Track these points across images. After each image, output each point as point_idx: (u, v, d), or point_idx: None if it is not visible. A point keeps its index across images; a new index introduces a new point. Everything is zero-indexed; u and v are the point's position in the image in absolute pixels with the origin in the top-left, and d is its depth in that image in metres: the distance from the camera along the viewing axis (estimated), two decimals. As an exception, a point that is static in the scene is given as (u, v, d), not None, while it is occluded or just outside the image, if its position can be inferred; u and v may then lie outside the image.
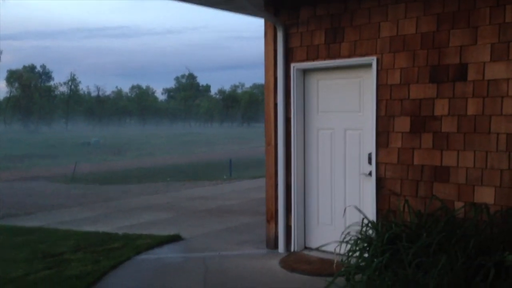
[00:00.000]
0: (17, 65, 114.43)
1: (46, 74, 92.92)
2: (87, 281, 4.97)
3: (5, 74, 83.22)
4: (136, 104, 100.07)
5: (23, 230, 7.81)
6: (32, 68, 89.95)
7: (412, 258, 3.70)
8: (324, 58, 5.43)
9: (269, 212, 6.08)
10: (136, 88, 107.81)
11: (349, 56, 5.22)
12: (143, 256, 5.97)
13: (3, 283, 4.97)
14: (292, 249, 5.83)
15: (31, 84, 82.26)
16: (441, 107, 4.62)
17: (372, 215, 4.96)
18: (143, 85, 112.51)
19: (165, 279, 5.12)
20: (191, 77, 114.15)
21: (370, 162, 5.16)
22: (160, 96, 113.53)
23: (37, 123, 79.10)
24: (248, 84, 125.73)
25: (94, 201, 11.81)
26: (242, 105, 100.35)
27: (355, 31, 5.15)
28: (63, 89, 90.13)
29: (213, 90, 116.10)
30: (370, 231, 4.39)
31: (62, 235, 7.30)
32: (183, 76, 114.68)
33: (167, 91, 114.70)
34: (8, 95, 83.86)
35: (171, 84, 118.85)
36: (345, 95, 5.46)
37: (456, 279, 3.50)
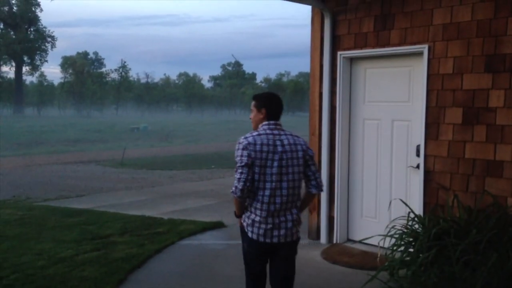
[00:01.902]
0: (71, 52, 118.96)
1: (98, 61, 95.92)
2: (133, 264, 5.12)
3: (59, 60, 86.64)
4: (183, 91, 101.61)
5: (74, 212, 8.13)
6: (85, 54, 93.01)
7: (460, 255, 3.56)
8: (373, 46, 5.27)
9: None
10: (183, 75, 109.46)
11: (399, 44, 5.04)
12: (186, 242, 6.08)
13: (53, 262, 5.20)
14: (334, 241, 5.76)
15: (84, 70, 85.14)
16: (496, 98, 4.39)
17: (418, 209, 4.81)
18: (190, 72, 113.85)
19: (207, 265, 5.19)
20: (237, 65, 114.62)
21: (418, 154, 4.99)
22: (207, 83, 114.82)
23: (89, 109, 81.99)
24: (294, 73, 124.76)
25: (141, 185, 12.13)
26: (287, 93, 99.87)
27: (406, 18, 4.96)
28: (114, 75, 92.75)
29: (259, 78, 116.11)
30: (416, 226, 4.26)
31: (110, 217, 7.54)
32: (229, 64, 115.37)
33: (214, 78, 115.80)
34: (62, 81, 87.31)
35: (218, 71, 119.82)
36: (393, 84, 5.29)
37: (507, 279, 3.34)
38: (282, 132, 3.19)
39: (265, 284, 3.36)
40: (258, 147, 3.07)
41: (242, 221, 3.25)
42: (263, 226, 3.12)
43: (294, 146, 3.16)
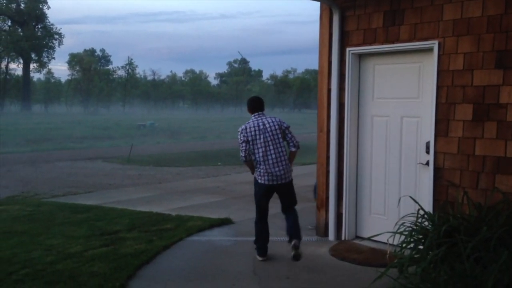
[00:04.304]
0: (78, 49, 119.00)
1: (105, 58, 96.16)
2: (141, 259, 5.14)
3: (67, 58, 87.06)
4: (190, 88, 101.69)
5: (82, 208, 8.17)
6: (92, 52, 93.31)
7: (470, 252, 3.54)
8: (382, 42, 5.24)
9: (319, 199, 6.02)
10: (189, 72, 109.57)
11: (409, 40, 5.01)
12: (195, 238, 6.09)
13: (63, 258, 5.23)
14: (343, 238, 5.75)
15: (91, 67, 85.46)
16: (507, 95, 4.35)
17: (428, 206, 4.78)
18: (197, 69, 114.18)
19: (215, 261, 5.20)
20: (244, 62, 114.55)
21: (428, 151, 4.96)
22: (213, 80, 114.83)
23: (96, 105, 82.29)
24: (300, 70, 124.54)
25: (148, 182, 12.17)
26: (293, 90, 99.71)
27: (416, 14, 4.93)
28: (121, 72, 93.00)
29: (265, 75, 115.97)
30: (426, 223, 4.23)
31: (118, 213, 7.57)
32: (235, 61, 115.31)
33: (220, 75, 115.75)
34: (69, 78, 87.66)
35: (224, 68, 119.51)
36: (403, 81, 5.26)
37: (518, 277, 3.32)
38: (263, 117, 5.17)
39: (267, 214, 5.26)
40: (248, 130, 5.08)
41: (255, 175, 5.14)
42: (265, 175, 5.02)
43: (272, 123, 5.11)
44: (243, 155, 5.05)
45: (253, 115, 5.20)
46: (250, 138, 5.02)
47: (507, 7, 4.32)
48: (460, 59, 4.63)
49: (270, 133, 5.03)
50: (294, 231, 5.04)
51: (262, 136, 5.02)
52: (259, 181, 5.06)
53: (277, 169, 4.99)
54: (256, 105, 5.24)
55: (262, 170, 5.01)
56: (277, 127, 5.07)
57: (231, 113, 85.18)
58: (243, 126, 5.09)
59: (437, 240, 3.80)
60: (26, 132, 33.75)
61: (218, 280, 4.65)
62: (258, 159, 5.02)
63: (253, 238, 5.29)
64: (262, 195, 5.13)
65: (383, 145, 5.49)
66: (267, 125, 5.07)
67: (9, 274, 4.75)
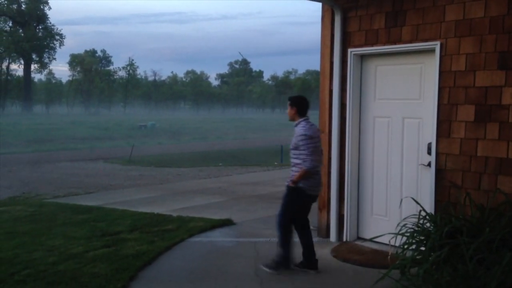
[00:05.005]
0: (79, 50, 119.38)
1: (106, 59, 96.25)
2: (143, 260, 5.13)
3: (68, 58, 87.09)
4: (191, 89, 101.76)
5: (83, 209, 8.17)
6: (93, 52, 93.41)
7: (473, 254, 3.53)
8: (384, 43, 5.24)
9: (321, 200, 6.01)
10: (190, 73, 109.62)
11: (410, 41, 5.00)
12: (196, 239, 6.09)
13: (64, 259, 5.23)
14: (344, 239, 5.74)
15: (92, 68, 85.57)
16: (509, 96, 4.34)
17: (430, 207, 4.77)
18: (198, 70, 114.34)
19: (217, 262, 5.19)
20: (245, 62, 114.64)
21: (429, 152, 4.96)
22: (214, 81, 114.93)
23: (97, 106, 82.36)
24: (301, 70, 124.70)
25: (149, 183, 12.17)
26: (294, 91, 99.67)
27: (418, 15, 4.92)
28: (122, 73, 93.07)
29: (266, 76, 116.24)
30: (428, 224, 4.22)
31: (119, 214, 7.57)
32: (236, 61, 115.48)
33: (221, 76, 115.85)
34: (70, 79, 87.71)
35: (225, 69, 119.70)
36: (404, 82, 5.25)
37: (521, 278, 3.31)
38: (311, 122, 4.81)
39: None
40: (314, 135, 4.68)
41: (300, 185, 4.68)
42: (318, 185, 4.82)
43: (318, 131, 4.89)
44: (314, 163, 4.60)
45: (304, 118, 4.75)
46: (315, 145, 4.66)
47: (509, 8, 4.31)
48: (462, 60, 4.63)
49: (320, 142, 4.84)
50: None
51: (319, 144, 4.80)
52: (308, 191, 4.70)
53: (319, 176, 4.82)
54: (307, 108, 4.84)
55: (317, 180, 4.74)
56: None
57: (232, 114, 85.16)
58: (307, 132, 4.63)
59: (439, 241, 3.79)
60: (27, 132, 33.78)
61: (219, 281, 4.64)
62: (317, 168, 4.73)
63: (254, 239, 5.28)
64: (307, 207, 4.88)
65: (384, 146, 5.48)
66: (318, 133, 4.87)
67: (11, 274, 4.75)
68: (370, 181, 5.65)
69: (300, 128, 4.68)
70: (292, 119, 4.82)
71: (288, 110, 4.84)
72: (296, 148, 4.69)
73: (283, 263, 4.81)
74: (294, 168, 4.74)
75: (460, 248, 3.62)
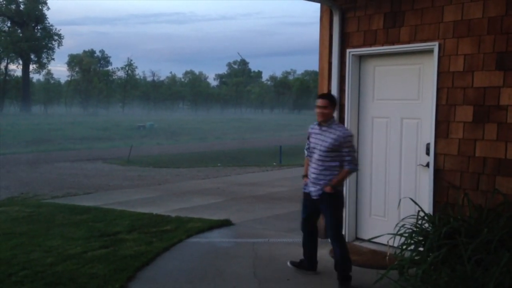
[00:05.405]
0: (78, 50, 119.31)
1: (104, 59, 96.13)
2: (141, 261, 5.12)
3: (66, 59, 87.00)
4: (189, 89, 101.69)
5: (82, 209, 8.16)
6: (91, 53, 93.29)
7: (471, 254, 3.53)
8: (382, 44, 5.24)
9: (320, 200, 6.00)
10: (189, 73, 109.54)
11: (409, 42, 5.00)
12: (194, 239, 6.08)
13: (62, 259, 5.21)
14: (343, 239, 5.73)
15: (90, 68, 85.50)
16: (507, 96, 4.34)
17: (428, 208, 4.77)
18: (196, 70, 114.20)
19: (215, 263, 5.18)
20: (243, 63, 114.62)
21: (428, 152, 4.96)
22: (212, 81, 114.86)
23: (95, 106, 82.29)
24: (299, 71, 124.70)
25: (148, 183, 12.16)
26: (293, 91, 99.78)
27: (417, 15, 4.93)
28: (121, 73, 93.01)
29: (265, 77, 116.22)
30: (426, 225, 4.22)
31: (117, 215, 7.56)
32: (235, 62, 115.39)
33: (219, 76, 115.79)
34: (69, 79, 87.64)
35: (224, 70, 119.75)
36: (403, 82, 5.26)
37: (520, 279, 3.31)
38: None
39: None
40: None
41: (342, 188, 4.64)
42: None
43: None
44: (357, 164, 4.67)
45: (334, 119, 4.57)
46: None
47: (507, 8, 4.31)
48: (461, 60, 4.63)
49: None
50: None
51: None
52: (343, 192, 4.69)
53: None
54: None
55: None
56: None
57: (231, 114, 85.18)
58: (351, 132, 4.66)
59: (437, 242, 3.79)
60: (25, 133, 33.74)
61: (218, 282, 4.64)
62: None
63: (253, 240, 5.27)
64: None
65: (383, 147, 5.48)
66: None
67: (9, 275, 4.74)
68: (368, 182, 5.64)
69: (342, 129, 4.43)
70: (326, 120, 4.45)
71: (323, 110, 4.41)
72: (334, 149, 4.35)
73: (349, 273, 4.51)
74: (325, 172, 4.41)
75: (459, 248, 3.62)
